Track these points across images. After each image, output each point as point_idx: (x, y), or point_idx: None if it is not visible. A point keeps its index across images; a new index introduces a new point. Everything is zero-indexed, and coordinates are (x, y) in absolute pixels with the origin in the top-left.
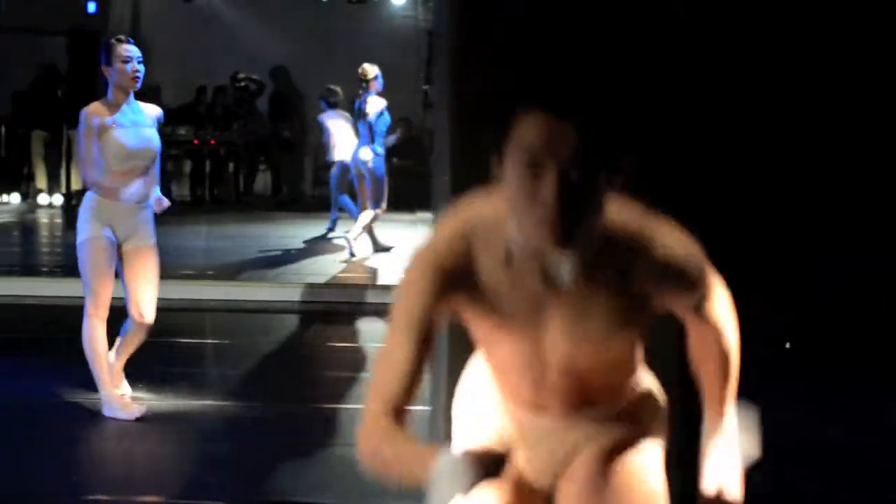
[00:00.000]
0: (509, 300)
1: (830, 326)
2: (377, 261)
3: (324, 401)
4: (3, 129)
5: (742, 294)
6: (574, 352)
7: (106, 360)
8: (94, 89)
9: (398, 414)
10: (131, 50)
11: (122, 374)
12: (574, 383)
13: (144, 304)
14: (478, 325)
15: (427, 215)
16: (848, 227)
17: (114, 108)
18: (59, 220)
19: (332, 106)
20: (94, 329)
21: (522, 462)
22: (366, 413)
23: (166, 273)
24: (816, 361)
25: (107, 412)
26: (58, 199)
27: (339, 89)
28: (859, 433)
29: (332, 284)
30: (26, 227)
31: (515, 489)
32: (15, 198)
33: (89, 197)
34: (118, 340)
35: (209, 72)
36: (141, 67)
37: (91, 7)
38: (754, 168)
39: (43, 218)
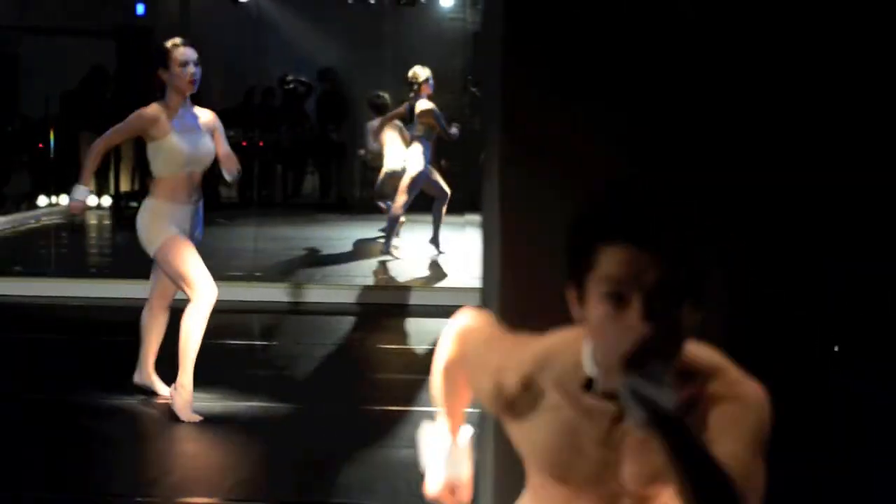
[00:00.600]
0: (569, 445)
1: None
2: (424, 262)
3: (373, 402)
4: (52, 131)
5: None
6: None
7: (198, 345)
8: (143, 91)
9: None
10: (188, 53)
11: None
12: None
13: (170, 290)
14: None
15: (475, 218)
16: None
17: (171, 111)
18: (107, 222)
19: (380, 111)
20: (200, 318)
21: None
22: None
23: (215, 275)
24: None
25: (173, 397)
26: (106, 201)
27: (386, 95)
28: None
29: (380, 286)
30: (75, 228)
31: None
32: (64, 199)
33: (150, 202)
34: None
35: (258, 73)
36: (198, 70)
37: (140, 8)
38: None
39: (92, 219)
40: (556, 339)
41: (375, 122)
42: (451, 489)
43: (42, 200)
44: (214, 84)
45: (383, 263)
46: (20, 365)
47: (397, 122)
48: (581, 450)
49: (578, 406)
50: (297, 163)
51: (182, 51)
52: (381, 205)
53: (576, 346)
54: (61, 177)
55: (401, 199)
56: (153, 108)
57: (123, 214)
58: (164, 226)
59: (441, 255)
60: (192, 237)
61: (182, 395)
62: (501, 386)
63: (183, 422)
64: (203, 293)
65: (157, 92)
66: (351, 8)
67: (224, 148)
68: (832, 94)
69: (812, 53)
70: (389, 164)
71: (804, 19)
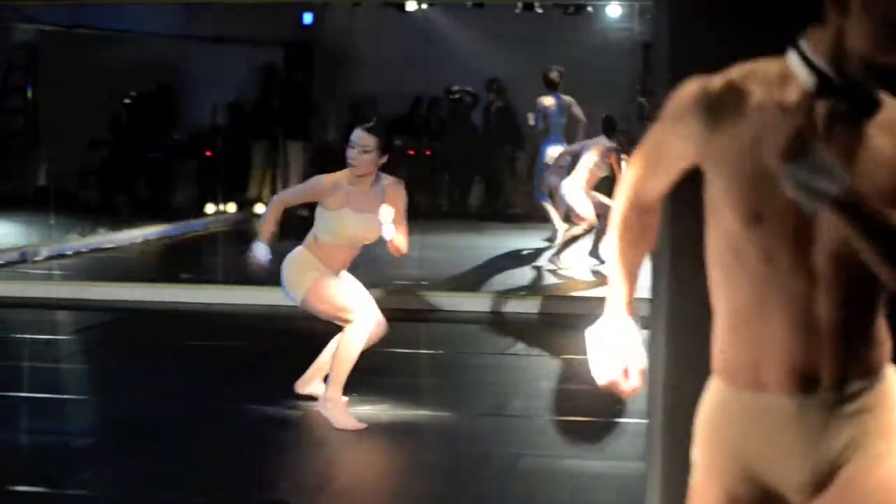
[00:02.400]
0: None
1: None
2: (592, 270)
3: (538, 413)
4: (220, 140)
5: None
6: (845, 250)
7: (351, 364)
8: (310, 101)
9: (646, 207)
10: (353, 136)
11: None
12: (841, 311)
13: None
14: (727, 217)
15: None
16: None
17: (350, 183)
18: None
19: (552, 87)
20: (359, 340)
21: (764, 461)
22: (619, 204)
23: (381, 283)
24: None
25: (323, 411)
26: None
27: (560, 69)
28: None
29: (545, 295)
30: (242, 236)
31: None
32: (231, 207)
33: (303, 254)
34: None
35: (424, 82)
36: (358, 156)
37: (307, 18)
38: None
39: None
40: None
41: (546, 99)
42: (624, 372)
43: (210, 208)
44: (381, 93)
45: (549, 273)
46: (185, 371)
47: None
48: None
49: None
50: (463, 172)
51: (354, 132)
52: (548, 205)
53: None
54: (229, 185)
55: (585, 207)
56: (332, 178)
57: (289, 223)
58: (307, 273)
59: (604, 266)
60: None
61: (335, 406)
62: (706, 92)
63: (347, 430)
64: (363, 317)
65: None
66: (518, 17)
67: (401, 223)
68: None
69: None
70: (552, 152)
71: None
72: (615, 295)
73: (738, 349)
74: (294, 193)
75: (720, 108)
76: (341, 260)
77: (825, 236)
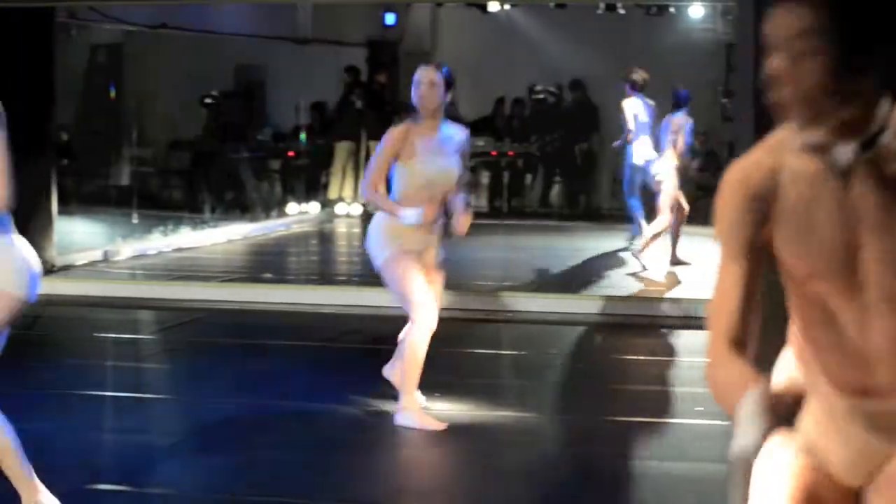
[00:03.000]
0: (820, 220)
1: None
2: (673, 273)
3: (619, 413)
4: (303, 140)
5: None
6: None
7: (419, 369)
8: (393, 101)
9: (739, 343)
10: (419, 74)
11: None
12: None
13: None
14: (790, 269)
15: None
16: None
17: (423, 130)
18: (356, 230)
19: (636, 90)
20: (421, 337)
21: (831, 454)
22: (709, 348)
23: (463, 284)
24: None
25: (401, 421)
26: (356, 209)
27: (643, 72)
28: None
29: (628, 297)
30: (324, 236)
31: (816, 481)
32: (314, 207)
33: (380, 218)
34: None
35: (507, 83)
36: (425, 91)
37: (389, 19)
38: None
39: (341, 227)
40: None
41: (630, 100)
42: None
43: (292, 208)
44: (464, 93)
45: (632, 274)
46: (267, 371)
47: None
48: (820, 220)
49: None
50: (547, 172)
51: (420, 70)
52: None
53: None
54: (311, 185)
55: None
56: (401, 129)
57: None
58: (392, 241)
59: (688, 267)
60: (422, 254)
61: (411, 412)
62: (745, 174)
63: (428, 430)
64: (422, 316)
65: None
66: (600, 17)
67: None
68: None
69: None
70: (636, 157)
71: None
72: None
73: (810, 355)
74: (375, 163)
75: (762, 185)
76: (424, 212)
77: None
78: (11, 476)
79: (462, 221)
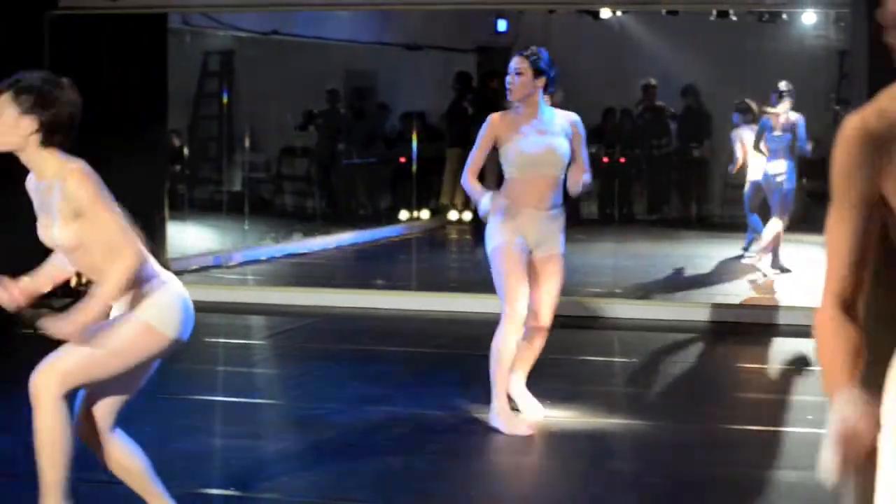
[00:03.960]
0: None
1: None
2: (786, 281)
3: (731, 422)
4: (414, 146)
5: None
6: None
7: (508, 371)
8: (504, 106)
9: (848, 302)
10: (512, 63)
11: (526, 390)
12: None
13: (543, 309)
14: None
15: None
16: None
17: (520, 116)
18: (467, 237)
19: (746, 121)
20: (507, 336)
21: None
22: (822, 301)
23: (574, 290)
24: None
25: (494, 422)
26: (467, 216)
27: (753, 104)
28: None
29: (740, 304)
30: (435, 242)
31: None
32: (425, 213)
33: (501, 206)
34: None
35: (619, 89)
36: (517, 79)
37: (501, 25)
38: None
39: (452, 234)
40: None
41: (742, 130)
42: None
43: (403, 215)
44: (575, 99)
45: (745, 282)
46: (376, 377)
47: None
48: None
49: None
50: (659, 179)
51: (513, 59)
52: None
53: None
54: (422, 191)
55: (781, 217)
56: (498, 114)
57: (483, 229)
58: (504, 230)
59: (793, 274)
60: (537, 246)
61: (502, 415)
62: (869, 140)
63: (531, 436)
64: (513, 313)
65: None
66: (712, 24)
67: (578, 157)
68: None
69: None
70: (753, 175)
71: None
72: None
73: None
74: (473, 152)
75: (880, 136)
76: (535, 196)
77: None
78: (146, 497)
79: (576, 179)
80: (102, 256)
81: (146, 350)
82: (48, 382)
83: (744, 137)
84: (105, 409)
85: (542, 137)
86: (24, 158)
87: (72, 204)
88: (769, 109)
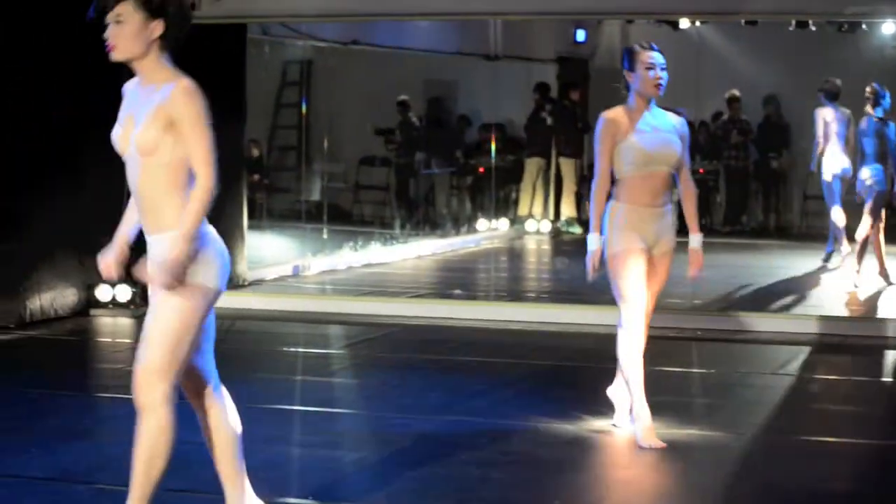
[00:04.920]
0: None
1: None
2: (875, 290)
3: (814, 434)
4: (493, 156)
5: None
6: None
7: (641, 374)
8: (584, 117)
9: None
10: (655, 57)
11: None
12: None
13: (649, 308)
14: None
15: None
16: None
17: (634, 113)
18: (546, 247)
19: (831, 99)
20: (630, 344)
21: None
22: None
23: (661, 303)
24: None
25: (632, 427)
26: (545, 226)
27: (838, 81)
28: None
29: (821, 316)
30: (514, 252)
31: None
32: (503, 223)
33: (613, 205)
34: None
35: (698, 99)
36: (664, 75)
37: (580, 35)
38: None
39: (530, 244)
40: None
41: (825, 110)
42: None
43: (481, 224)
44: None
45: (827, 292)
46: (456, 387)
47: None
48: None
49: None
50: (738, 190)
51: (650, 54)
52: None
53: None
54: (501, 201)
55: (867, 222)
56: (615, 111)
57: (562, 239)
58: (625, 233)
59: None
60: (655, 244)
61: (638, 422)
62: None
63: (643, 448)
64: (629, 317)
65: (623, 92)
66: (791, 35)
67: (683, 161)
68: None
69: None
70: (831, 167)
71: None
72: None
73: None
74: (599, 163)
75: None
76: (649, 193)
77: None
78: (223, 474)
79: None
80: (166, 185)
81: (208, 308)
82: (151, 387)
83: (826, 117)
84: (200, 372)
85: (657, 134)
86: (139, 65)
87: (171, 110)
88: (871, 111)
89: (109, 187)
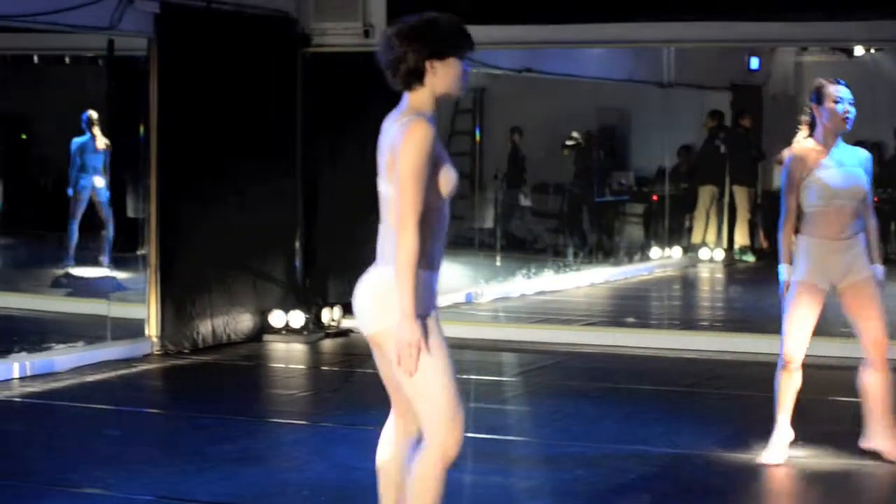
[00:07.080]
0: None
1: None
2: None
3: None
4: (666, 184)
5: None
6: None
7: (783, 409)
8: (758, 145)
9: None
10: (842, 91)
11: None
12: None
13: (873, 336)
14: None
15: None
16: None
17: (821, 148)
18: (719, 275)
19: None
20: (781, 376)
21: None
22: None
23: (822, 330)
24: None
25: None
26: (719, 254)
27: None
28: None
29: None
30: (687, 281)
31: None
32: (677, 252)
33: (802, 239)
34: None
35: (872, 127)
36: (852, 109)
37: (754, 63)
38: None
39: (704, 272)
40: None
41: None
42: None
43: (655, 253)
44: None
45: None
46: (629, 416)
47: None
48: None
49: None
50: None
51: (836, 88)
52: None
53: None
54: (674, 229)
55: None
56: (802, 147)
57: (736, 268)
58: (807, 266)
59: None
60: (845, 275)
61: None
62: None
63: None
64: (785, 352)
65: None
66: None
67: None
68: None
69: None
70: None
71: None
72: None
73: None
74: (786, 199)
75: None
76: (836, 226)
77: None
78: None
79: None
80: (396, 229)
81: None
82: (432, 466)
83: None
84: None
85: (843, 169)
86: (415, 99)
87: (396, 151)
88: None
89: (281, 213)
